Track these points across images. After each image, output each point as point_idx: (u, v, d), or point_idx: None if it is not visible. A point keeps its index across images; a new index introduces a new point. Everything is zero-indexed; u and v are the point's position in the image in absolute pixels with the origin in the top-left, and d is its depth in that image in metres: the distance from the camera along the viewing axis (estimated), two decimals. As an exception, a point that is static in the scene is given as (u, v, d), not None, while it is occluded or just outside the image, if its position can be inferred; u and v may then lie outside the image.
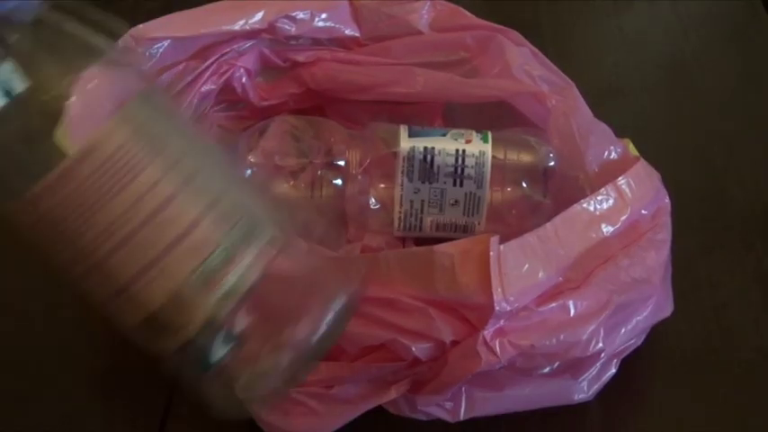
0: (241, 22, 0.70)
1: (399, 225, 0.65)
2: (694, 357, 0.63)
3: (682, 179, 0.72)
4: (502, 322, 0.53)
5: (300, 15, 0.72)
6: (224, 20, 0.70)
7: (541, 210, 0.64)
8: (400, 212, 0.65)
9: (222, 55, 0.72)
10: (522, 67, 0.69)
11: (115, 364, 0.62)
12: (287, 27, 0.72)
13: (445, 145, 0.64)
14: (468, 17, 0.73)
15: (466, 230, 0.65)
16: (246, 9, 0.71)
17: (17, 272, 0.67)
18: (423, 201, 0.64)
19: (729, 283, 0.67)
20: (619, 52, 0.87)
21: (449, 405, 0.56)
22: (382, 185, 0.65)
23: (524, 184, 0.64)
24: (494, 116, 0.69)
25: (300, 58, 0.74)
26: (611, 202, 0.58)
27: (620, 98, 0.81)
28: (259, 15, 0.71)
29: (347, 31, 0.74)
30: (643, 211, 0.60)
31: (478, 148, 0.63)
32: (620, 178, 0.59)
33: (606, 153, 0.64)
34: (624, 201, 0.58)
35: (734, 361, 0.63)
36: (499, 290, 0.52)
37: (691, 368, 0.62)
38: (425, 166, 0.63)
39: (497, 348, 0.53)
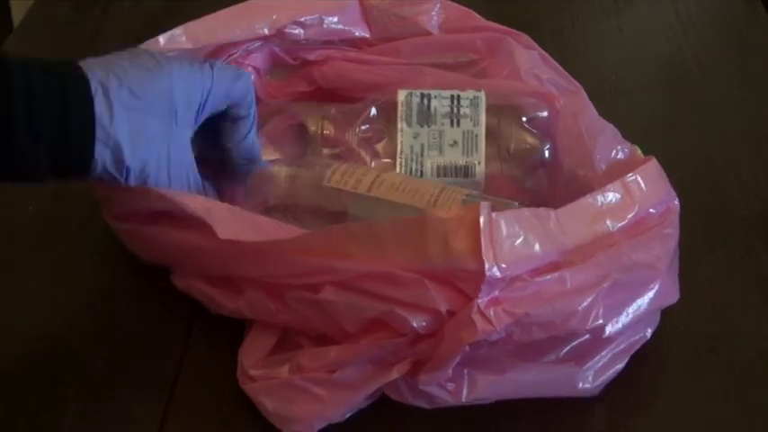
0: (250, 31, 0.71)
1: (401, 172, 0.66)
2: (694, 357, 0.63)
3: (682, 179, 0.72)
4: (497, 292, 0.53)
5: (310, 20, 0.72)
6: (233, 29, 0.70)
7: (542, 161, 0.66)
8: (401, 158, 0.66)
9: (231, 54, 0.72)
10: (531, 70, 0.70)
11: (115, 363, 0.62)
12: (296, 32, 0.72)
13: (441, 92, 0.68)
14: (478, 19, 0.74)
15: (467, 173, 0.66)
16: (255, 17, 0.71)
17: (17, 272, 0.67)
18: (422, 144, 0.66)
19: (730, 283, 0.67)
20: (619, 52, 0.87)
21: (451, 386, 0.56)
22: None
23: (520, 129, 0.67)
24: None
25: (310, 56, 0.75)
26: (618, 197, 0.58)
27: (620, 98, 0.81)
28: (268, 23, 0.71)
29: (357, 32, 0.75)
30: (651, 210, 0.60)
31: (473, 93, 0.67)
32: (629, 175, 0.59)
33: (614, 153, 0.64)
34: (632, 198, 0.58)
35: (734, 361, 0.63)
36: (490, 254, 0.52)
37: (691, 368, 0.62)
38: (423, 108, 0.67)
39: (492, 316, 0.53)
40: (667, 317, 0.64)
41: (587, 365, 0.58)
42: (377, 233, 0.54)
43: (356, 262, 0.54)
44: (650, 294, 0.58)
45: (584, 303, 0.55)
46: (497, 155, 0.66)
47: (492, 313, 0.53)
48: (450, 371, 0.55)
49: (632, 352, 0.60)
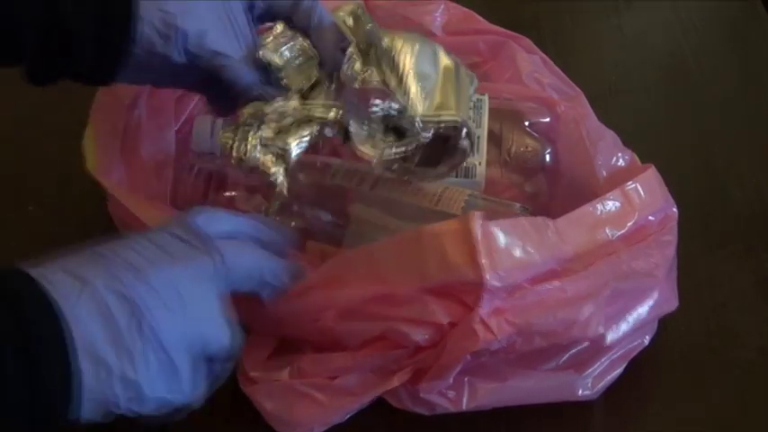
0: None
1: None
2: (695, 358, 0.63)
3: (682, 179, 0.72)
4: (498, 302, 0.53)
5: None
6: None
7: (542, 165, 0.66)
8: None
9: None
10: (533, 74, 0.70)
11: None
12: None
13: None
14: (481, 22, 0.74)
15: (468, 174, 0.65)
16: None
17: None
18: None
19: (730, 283, 0.67)
20: (619, 52, 0.87)
21: (451, 394, 0.57)
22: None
23: (521, 133, 0.67)
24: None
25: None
26: (617, 206, 0.58)
27: (620, 98, 0.81)
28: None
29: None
30: (650, 218, 0.60)
31: (476, 96, 0.67)
32: (629, 183, 0.59)
33: (614, 159, 0.64)
34: (631, 206, 0.59)
35: (734, 361, 0.63)
36: (488, 263, 0.52)
37: (691, 368, 0.63)
38: None
39: (494, 326, 0.53)
40: (667, 317, 0.64)
41: (586, 372, 0.58)
42: (374, 256, 0.54)
43: (355, 289, 0.54)
44: (650, 302, 0.59)
45: (586, 312, 0.55)
46: (498, 158, 0.66)
47: (494, 323, 0.53)
48: (450, 379, 0.55)
49: (630, 358, 0.60)
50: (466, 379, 0.56)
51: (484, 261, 0.52)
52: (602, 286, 0.56)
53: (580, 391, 0.58)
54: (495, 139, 0.66)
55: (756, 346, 0.64)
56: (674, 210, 0.62)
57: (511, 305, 0.54)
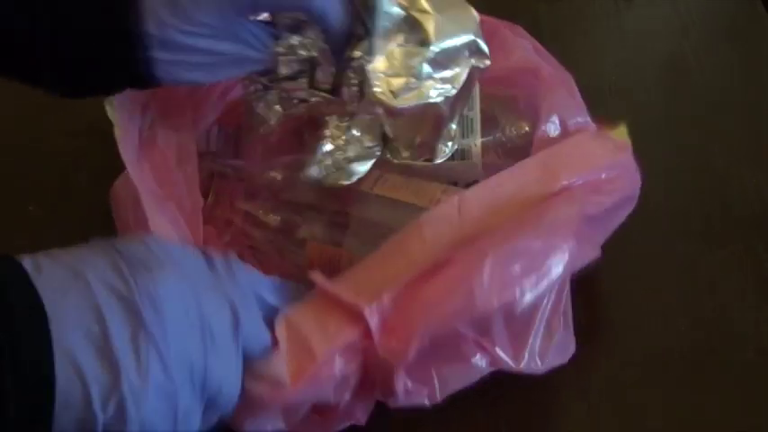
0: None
1: None
2: (695, 358, 0.63)
3: (682, 179, 0.72)
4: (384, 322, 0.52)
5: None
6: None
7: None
8: None
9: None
10: (524, 58, 0.69)
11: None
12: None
13: None
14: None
15: (464, 156, 0.65)
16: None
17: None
18: None
19: (729, 283, 0.67)
20: (619, 52, 0.87)
21: (425, 390, 0.55)
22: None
23: (515, 117, 0.67)
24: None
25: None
26: (535, 174, 0.58)
27: (620, 98, 0.81)
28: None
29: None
30: (576, 180, 0.58)
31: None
32: (554, 146, 0.59)
33: (567, 120, 0.64)
34: (552, 172, 0.58)
35: (734, 361, 0.63)
36: (355, 298, 0.51)
37: (691, 368, 0.62)
38: None
39: (395, 345, 0.52)
40: (667, 317, 0.64)
41: (526, 347, 0.56)
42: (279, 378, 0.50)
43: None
44: (537, 249, 0.55)
45: (476, 281, 0.53)
46: (494, 143, 0.66)
47: (394, 342, 0.52)
48: (406, 383, 0.54)
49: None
50: (433, 371, 0.55)
51: (356, 299, 0.51)
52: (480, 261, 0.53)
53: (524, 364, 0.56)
54: (490, 124, 0.66)
55: (756, 346, 0.64)
56: (637, 178, 0.62)
57: (398, 317, 0.52)
